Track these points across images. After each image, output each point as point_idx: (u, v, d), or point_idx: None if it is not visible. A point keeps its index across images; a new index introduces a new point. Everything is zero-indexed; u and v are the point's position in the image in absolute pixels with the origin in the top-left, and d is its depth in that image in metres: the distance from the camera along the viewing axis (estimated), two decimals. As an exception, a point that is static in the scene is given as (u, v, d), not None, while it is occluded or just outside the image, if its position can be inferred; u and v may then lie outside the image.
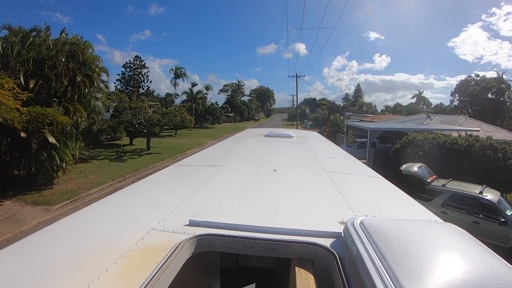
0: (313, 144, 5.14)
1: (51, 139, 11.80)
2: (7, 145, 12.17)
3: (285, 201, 2.13)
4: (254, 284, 4.88)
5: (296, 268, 1.42)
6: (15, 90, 10.47)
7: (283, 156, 4.12)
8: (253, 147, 4.66)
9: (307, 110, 71.88)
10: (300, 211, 1.91)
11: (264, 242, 1.51)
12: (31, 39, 13.38)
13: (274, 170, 2.92)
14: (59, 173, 12.92)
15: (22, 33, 13.40)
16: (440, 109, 54.16)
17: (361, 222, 1.41)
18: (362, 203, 2.08)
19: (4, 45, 12.39)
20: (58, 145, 12.34)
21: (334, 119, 33.89)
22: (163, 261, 1.30)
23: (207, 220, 1.68)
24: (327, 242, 1.46)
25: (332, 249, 1.41)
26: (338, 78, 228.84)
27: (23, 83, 11.96)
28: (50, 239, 1.52)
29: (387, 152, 14.80)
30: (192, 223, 1.67)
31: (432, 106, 71.51)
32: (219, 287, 3.50)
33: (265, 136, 5.84)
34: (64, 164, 12.78)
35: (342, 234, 1.49)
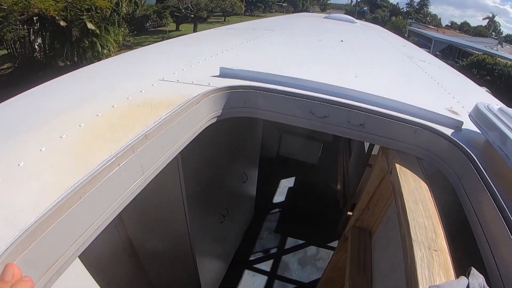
0: (381, 31, 4.47)
1: (90, 26, 11.70)
2: (49, 38, 12.25)
3: (365, 68, 1.62)
4: (294, 178, 5.15)
5: (398, 166, 0.98)
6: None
7: (349, 34, 3.22)
8: (312, 23, 4.04)
9: (366, 8, 64.69)
10: (388, 85, 1.40)
11: (344, 110, 1.03)
12: None
13: (341, 41, 2.42)
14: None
15: None
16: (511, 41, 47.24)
17: (500, 109, 0.98)
18: (464, 92, 1.67)
19: None
20: (99, 32, 12.27)
21: (395, 22, 30.81)
22: (163, 118, 0.88)
23: (251, 69, 1.16)
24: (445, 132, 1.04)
25: (461, 144, 0.98)
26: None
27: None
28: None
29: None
30: (226, 73, 1.17)
31: (503, 35, 62.15)
32: (256, 176, 3.68)
33: (324, 18, 5.04)
34: (106, 51, 12.79)
35: (463, 125, 1.05)
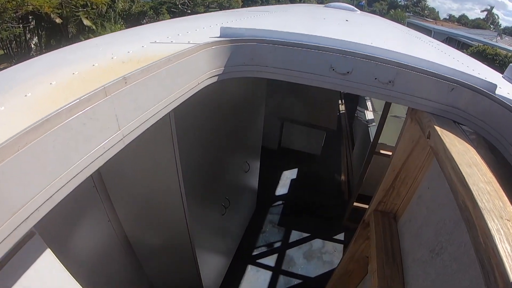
0: (383, 19, 4.37)
1: (86, 22, 11.59)
2: (45, 36, 12.18)
3: (378, 39, 1.51)
4: (296, 169, 5.02)
5: (438, 128, 0.83)
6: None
7: (353, 17, 3.09)
8: (313, 9, 3.88)
9: (363, 2, 65.39)
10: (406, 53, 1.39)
11: (371, 64, 0.89)
12: None
13: (347, 20, 2.30)
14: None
15: None
16: (510, 33, 47.39)
17: None
18: (479, 65, 1.62)
19: None
20: (95, 28, 12.16)
21: (394, 14, 30.90)
22: (150, 64, 0.74)
23: (257, 27, 1.02)
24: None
25: (508, 103, 0.83)
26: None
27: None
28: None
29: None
30: (228, 34, 1.01)
31: (501, 27, 62.30)
32: (257, 167, 3.53)
33: (324, 6, 4.87)
34: (102, 47, 12.83)
35: (496, 89, 0.93)
